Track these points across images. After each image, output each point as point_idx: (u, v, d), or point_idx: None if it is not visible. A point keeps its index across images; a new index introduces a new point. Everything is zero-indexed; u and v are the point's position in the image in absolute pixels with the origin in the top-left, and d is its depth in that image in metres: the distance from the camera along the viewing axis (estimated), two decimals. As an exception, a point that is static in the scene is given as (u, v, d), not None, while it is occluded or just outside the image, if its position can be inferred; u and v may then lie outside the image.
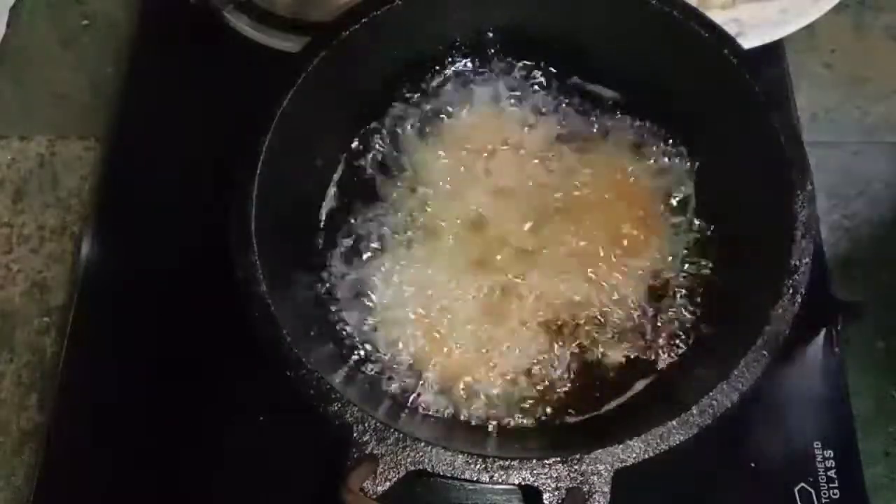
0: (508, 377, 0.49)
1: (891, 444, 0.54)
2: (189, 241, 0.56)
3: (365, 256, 0.52)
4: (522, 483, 0.39)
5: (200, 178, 0.54)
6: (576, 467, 0.39)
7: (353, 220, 0.54)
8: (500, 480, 0.39)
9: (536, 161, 0.54)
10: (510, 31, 0.55)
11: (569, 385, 0.49)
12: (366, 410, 0.40)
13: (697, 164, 0.54)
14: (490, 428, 0.48)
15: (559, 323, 0.50)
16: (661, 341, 0.50)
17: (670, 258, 0.52)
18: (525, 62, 0.57)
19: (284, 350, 0.41)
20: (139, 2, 0.68)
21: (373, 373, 0.49)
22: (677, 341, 0.50)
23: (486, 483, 0.39)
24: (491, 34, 0.56)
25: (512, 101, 0.57)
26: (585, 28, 0.53)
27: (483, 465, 0.39)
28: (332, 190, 0.55)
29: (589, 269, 0.51)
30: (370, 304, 0.51)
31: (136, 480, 0.51)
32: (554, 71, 0.57)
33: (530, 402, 0.49)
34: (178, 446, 0.52)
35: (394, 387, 0.49)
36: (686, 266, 0.52)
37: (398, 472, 0.38)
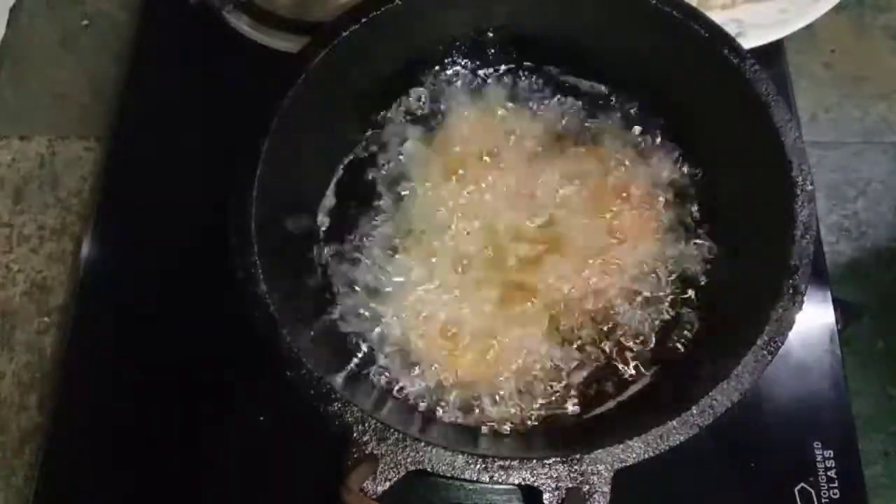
0: (508, 377, 0.49)
1: (891, 444, 0.54)
2: (189, 241, 0.56)
3: (365, 256, 0.52)
4: (522, 483, 0.39)
5: (200, 179, 0.54)
6: (576, 467, 0.39)
7: (352, 220, 0.54)
8: (500, 480, 0.38)
9: (536, 160, 0.54)
10: (510, 30, 0.55)
11: (568, 385, 0.49)
12: (366, 410, 0.40)
13: (697, 164, 0.54)
14: (490, 427, 0.48)
15: (559, 323, 0.50)
16: (660, 341, 0.50)
17: (670, 258, 0.52)
18: (525, 62, 0.57)
19: (284, 350, 0.41)
20: (139, 2, 0.68)
21: (373, 373, 0.49)
22: (677, 341, 0.50)
23: (486, 483, 0.39)
24: (491, 34, 0.56)
25: (512, 100, 0.57)
26: (585, 28, 0.53)
27: (483, 465, 0.39)
28: (331, 190, 0.55)
29: (588, 270, 0.51)
30: (370, 304, 0.51)
31: (135, 480, 0.51)
32: (553, 70, 0.57)
33: (530, 401, 0.49)
34: (177, 446, 0.52)
35: (394, 386, 0.49)
36: (686, 266, 0.52)
37: (398, 472, 0.38)
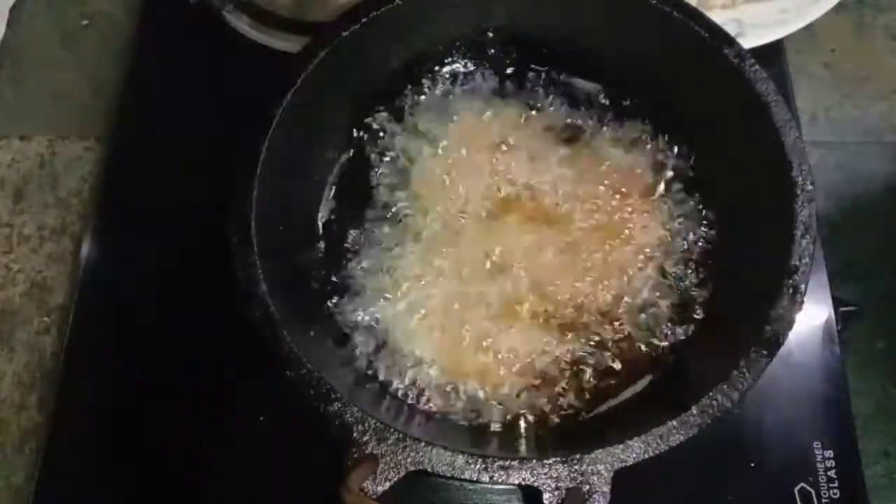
0: (509, 377, 0.49)
1: (891, 443, 0.54)
2: (189, 241, 0.56)
3: (365, 256, 0.52)
4: (522, 483, 0.39)
5: (200, 179, 0.53)
6: (576, 467, 0.39)
7: (353, 220, 0.54)
8: (500, 480, 0.38)
9: (536, 159, 0.55)
10: (510, 30, 0.55)
11: (569, 384, 0.49)
12: (366, 410, 0.40)
13: (697, 164, 0.54)
14: (490, 427, 0.48)
15: (559, 322, 0.50)
16: (660, 341, 0.50)
17: (669, 257, 0.52)
18: (524, 62, 0.57)
19: (284, 350, 0.41)
20: (139, 2, 0.68)
21: (373, 372, 0.49)
22: (677, 341, 0.50)
23: (486, 483, 0.39)
24: (491, 34, 0.56)
25: (511, 100, 0.57)
26: (585, 28, 0.53)
27: (483, 465, 0.39)
28: (331, 190, 0.55)
29: (589, 269, 0.51)
30: (371, 303, 0.51)
31: (135, 480, 0.51)
32: (553, 70, 0.57)
33: (530, 401, 0.49)
34: (177, 446, 0.52)
35: (394, 386, 0.49)
36: (685, 265, 0.52)
37: (398, 472, 0.38)
